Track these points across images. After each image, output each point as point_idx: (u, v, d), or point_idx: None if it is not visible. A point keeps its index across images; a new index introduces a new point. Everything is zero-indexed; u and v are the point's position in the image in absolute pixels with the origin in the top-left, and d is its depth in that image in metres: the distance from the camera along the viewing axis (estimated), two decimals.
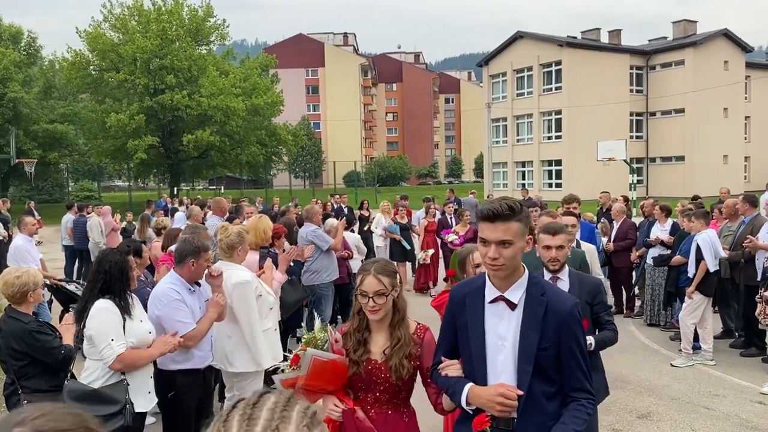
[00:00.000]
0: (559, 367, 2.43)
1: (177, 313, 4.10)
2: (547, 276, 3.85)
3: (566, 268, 3.89)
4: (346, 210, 15.51)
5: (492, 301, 2.48)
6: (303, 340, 2.90)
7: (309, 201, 18.67)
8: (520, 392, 2.36)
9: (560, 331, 2.39)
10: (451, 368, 2.56)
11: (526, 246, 2.43)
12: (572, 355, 2.41)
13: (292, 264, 6.57)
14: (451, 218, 12.78)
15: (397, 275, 2.83)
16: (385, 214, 13.12)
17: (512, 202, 2.39)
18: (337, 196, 17.61)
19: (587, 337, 3.55)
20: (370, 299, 2.72)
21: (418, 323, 2.95)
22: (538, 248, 3.93)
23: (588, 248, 5.33)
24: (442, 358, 2.62)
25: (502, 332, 2.44)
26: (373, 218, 13.91)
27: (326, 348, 2.83)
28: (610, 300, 10.30)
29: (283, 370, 2.91)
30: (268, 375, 3.15)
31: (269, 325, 4.83)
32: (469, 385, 2.47)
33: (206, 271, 4.30)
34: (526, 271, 2.49)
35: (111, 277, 3.76)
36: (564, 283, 3.82)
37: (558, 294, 2.52)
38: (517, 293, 2.45)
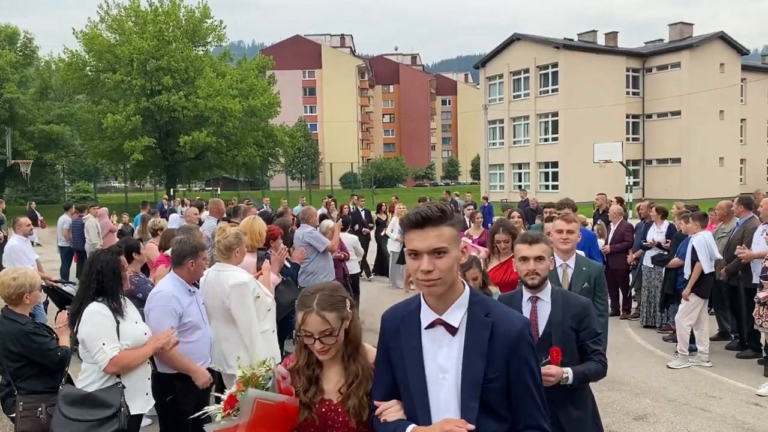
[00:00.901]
0: (510, 403, 2.06)
1: (165, 320, 4.07)
2: (527, 295, 3.35)
3: (548, 285, 3.35)
4: (363, 213, 15.18)
5: (429, 326, 2.10)
6: (239, 377, 2.41)
7: (307, 202, 18.63)
8: (471, 426, 1.97)
9: (509, 357, 2.01)
10: (390, 411, 2.16)
11: (461, 256, 2.08)
12: (524, 386, 2.04)
13: (288, 266, 6.56)
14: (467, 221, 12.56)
15: (347, 301, 2.35)
16: (401, 217, 12.73)
17: (442, 204, 2.06)
18: (355, 198, 16.95)
19: (565, 369, 3.14)
20: (317, 341, 2.27)
21: None
22: (514, 261, 3.51)
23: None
24: (375, 403, 2.21)
25: (443, 362, 2.06)
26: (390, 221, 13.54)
27: (271, 386, 2.37)
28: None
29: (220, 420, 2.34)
30: (199, 423, 2.51)
31: (267, 326, 4.82)
32: (410, 428, 2.08)
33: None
34: (467, 287, 2.13)
35: (103, 278, 3.73)
36: (545, 304, 3.31)
37: (506, 313, 2.11)
38: (457, 315, 2.07)
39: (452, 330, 2.07)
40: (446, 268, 2.00)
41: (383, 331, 2.24)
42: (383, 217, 15.39)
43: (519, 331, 2.05)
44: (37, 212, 23.77)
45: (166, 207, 21.66)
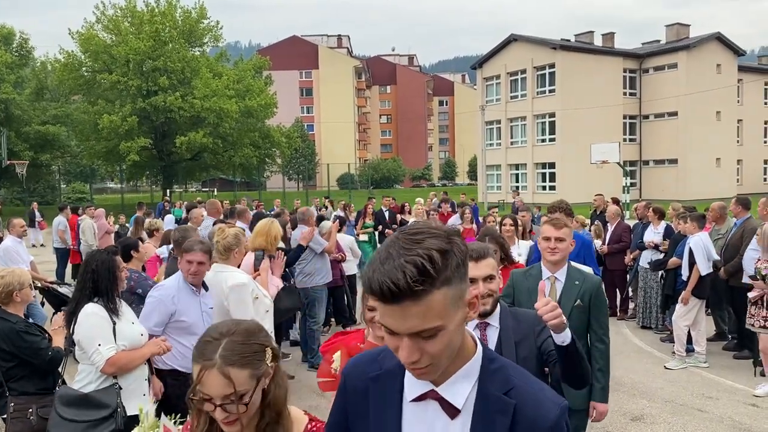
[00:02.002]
0: None
1: (153, 313, 4.09)
2: (473, 322, 2.68)
3: (498, 307, 2.72)
4: (387, 213, 14.12)
5: (417, 399, 1.40)
6: None
7: (303, 203, 18.58)
8: None
9: None
10: None
11: (468, 312, 1.32)
12: None
13: (286, 269, 6.55)
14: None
15: (268, 351, 1.67)
16: (419, 218, 11.28)
17: (426, 257, 1.21)
18: (374, 200, 15.79)
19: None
20: (218, 408, 1.59)
21: (312, 420, 1.78)
22: None
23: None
24: None
25: None
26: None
27: None
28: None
29: None
30: None
31: (266, 327, 4.78)
32: None
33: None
34: (480, 347, 1.42)
35: (98, 277, 3.71)
36: (494, 331, 2.67)
37: (535, 391, 1.39)
38: (461, 389, 1.37)
39: (452, 411, 1.37)
40: (440, 351, 1.28)
41: (343, 390, 1.55)
42: (407, 218, 14.41)
43: (554, 421, 1.36)
44: (37, 213, 23.76)
45: (167, 208, 21.57)
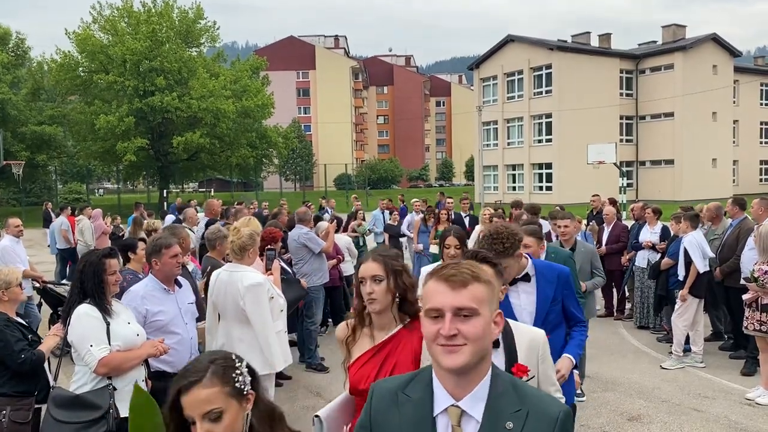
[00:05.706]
0: None
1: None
2: None
3: None
4: (467, 218, 12.38)
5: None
6: None
7: (299, 204, 18.49)
8: None
9: None
10: None
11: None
12: None
13: (287, 268, 6.56)
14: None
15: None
16: (485, 225, 9.23)
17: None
18: (445, 199, 14.42)
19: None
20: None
21: None
22: None
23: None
24: None
25: None
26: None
27: None
28: (600, 303, 10.36)
29: None
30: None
31: (280, 327, 4.79)
32: None
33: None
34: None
35: (84, 278, 3.68)
36: None
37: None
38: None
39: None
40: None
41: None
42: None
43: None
44: (51, 213, 23.61)
45: (193, 206, 21.34)
